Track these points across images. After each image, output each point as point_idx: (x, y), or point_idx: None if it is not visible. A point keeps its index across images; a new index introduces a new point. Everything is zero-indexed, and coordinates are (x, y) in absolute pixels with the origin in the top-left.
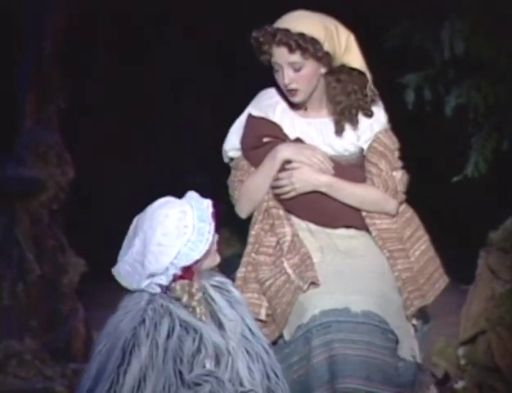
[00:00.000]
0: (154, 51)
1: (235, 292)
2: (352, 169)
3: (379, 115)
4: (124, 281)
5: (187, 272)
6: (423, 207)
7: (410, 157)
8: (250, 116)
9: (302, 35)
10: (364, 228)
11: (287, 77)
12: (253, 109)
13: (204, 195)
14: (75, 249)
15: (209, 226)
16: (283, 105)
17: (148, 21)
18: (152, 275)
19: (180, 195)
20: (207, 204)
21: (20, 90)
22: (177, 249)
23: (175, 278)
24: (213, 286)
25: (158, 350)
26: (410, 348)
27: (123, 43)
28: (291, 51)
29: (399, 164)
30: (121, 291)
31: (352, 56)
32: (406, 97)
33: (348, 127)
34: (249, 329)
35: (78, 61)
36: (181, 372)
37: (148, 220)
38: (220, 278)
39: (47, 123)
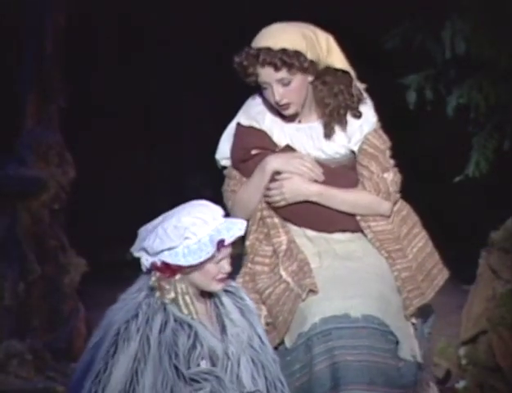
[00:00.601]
0: (154, 51)
1: (248, 301)
2: (343, 172)
3: (368, 115)
4: (136, 241)
5: (165, 268)
6: (423, 207)
7: (410, 157)
8: (239, 125)
9: (284, 51)
10: (359, 230)
11: (277, 94)
12: (242, 117)
13: (203, 195)
14: (76, 249)
15: (212, 250)
16: (272, 111)
17: (148, 21)
18: (143, 249)
19: (180, 195)
20: (231, 236)
21: (20, 90)
22: (173, 244)
23: (153, 267)
24: (226, 291)
25: (149, 345)
26: (410, 348)
27: (123, 43)
28: (277, 69)
29: (391, 163)
30: (121, 291)
31: (334, 57)
32: (407, 98)
33: (337, 129)
34: (260, 339)
35: (78, 61)
36: (176, 367)
37: (179, 207)
38: (235, 285)
39: (48, 123)
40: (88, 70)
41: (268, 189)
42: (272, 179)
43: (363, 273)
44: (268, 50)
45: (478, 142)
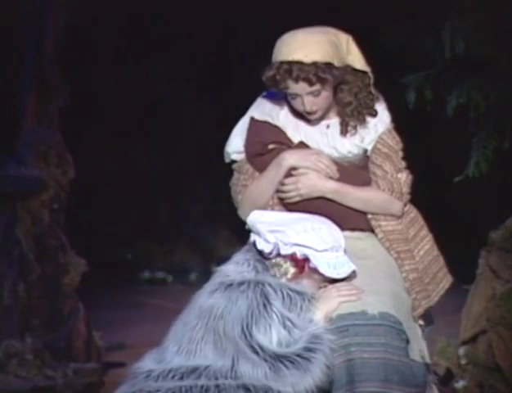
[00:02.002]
0: (154, 52)
1: None
2: (356, 171)
3: (383, 115)
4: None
5: (299, 262)
6: (423, 207)
7: (410, 157)
8: (253, 120)
9: (316, 64)
10: (369, 229)
11: (308, 104)
12: (256, 112)
13: (203, 195)
14: (76, 248)
15: (348, 272)
16: (287, 107)
17: (148, 21)
18: (281, 232)
19: (180, 195)
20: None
21: (20, 90)
22: (322, 247)
23: (290, 257)
24: None
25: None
26: (418, 349)
27: (123, 43)
28: (311, 84)
29: (403, 164)
30: (121, 291)
31: (353, 57)
32: (407, 97)
33: (353, 128)
34: None
35: (78, 61)
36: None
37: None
38: None
39: (48, 123)
40: (88, 69)
41: (283, 184)
42: (288, 175)
43: (377, 271)
44: (300, 64)
45: (477, 141)
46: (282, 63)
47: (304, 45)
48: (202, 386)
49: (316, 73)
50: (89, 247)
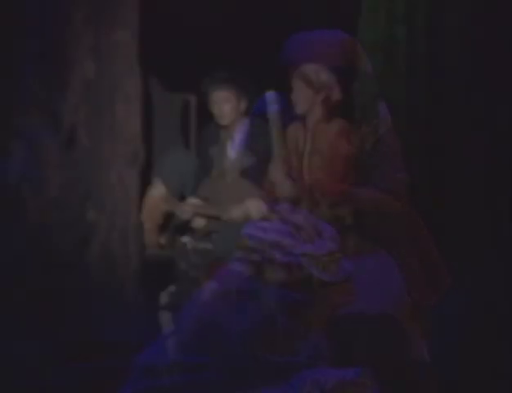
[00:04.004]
0: (154, 52)
1: None
2: (356, 170)
3: (384, 116)
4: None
5: (296, 270)
6: (423, 207)
7: (409, 157)
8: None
9: (330, 70)
10: (369, 231)
11: (304, 105)
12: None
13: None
14: None
15: (343, 277)
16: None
17: (148, 21)
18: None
19: (180, 196)
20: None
21: (20, 90)
22: (305, 251)
23: (287, 265)
24: None
25: None
26: (419, 349)
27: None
28: (320, 88)
29: (402, 165)
30: (121, 290)
31: (361, 59)
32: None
33: (356, 128)
34: None
35: None
36: None
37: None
38: None
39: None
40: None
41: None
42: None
43: (375, 271)
44: (313, 68)
45: (476, 141)
46: (295, 65)
47: (320, 48)
48: (212, 377)
49: (330, 78)
50: None
